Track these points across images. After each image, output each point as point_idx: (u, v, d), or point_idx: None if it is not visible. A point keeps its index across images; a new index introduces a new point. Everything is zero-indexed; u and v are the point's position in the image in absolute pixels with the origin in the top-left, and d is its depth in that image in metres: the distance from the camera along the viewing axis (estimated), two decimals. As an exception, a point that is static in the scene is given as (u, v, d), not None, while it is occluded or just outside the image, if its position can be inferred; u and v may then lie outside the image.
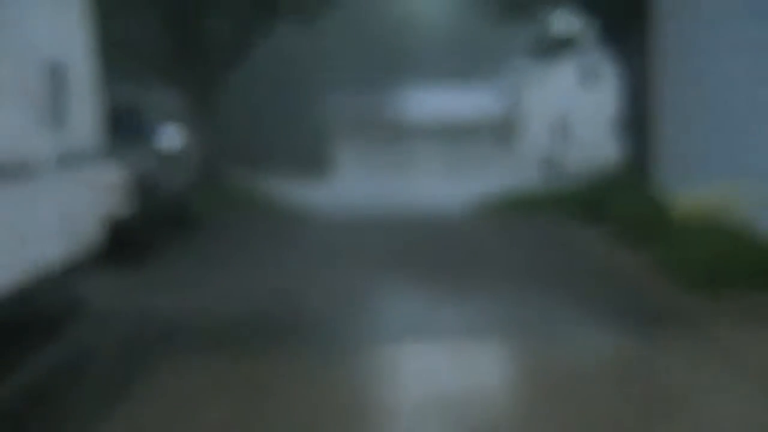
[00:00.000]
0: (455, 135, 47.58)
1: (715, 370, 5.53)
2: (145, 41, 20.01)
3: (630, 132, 16.73)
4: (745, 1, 8.93)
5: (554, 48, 19.67)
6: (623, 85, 16.95)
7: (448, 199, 20.60)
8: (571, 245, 11.08)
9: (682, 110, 11.17)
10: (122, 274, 9.95)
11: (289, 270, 9.83)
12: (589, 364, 5.84)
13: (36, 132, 6.66)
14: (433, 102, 48.67)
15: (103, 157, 8.88)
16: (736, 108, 9.28)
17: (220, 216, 15.80)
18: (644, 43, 15.83)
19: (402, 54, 52.91)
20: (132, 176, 10.68)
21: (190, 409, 5.17)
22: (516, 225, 13.55)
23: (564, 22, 20.18)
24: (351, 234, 13.09)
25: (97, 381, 5.87)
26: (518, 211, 15.93)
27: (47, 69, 6.97)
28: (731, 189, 9.25)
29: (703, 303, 7.43)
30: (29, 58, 6.66)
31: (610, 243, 10.96)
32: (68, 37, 7.59)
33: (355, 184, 32.98)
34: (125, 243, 10.71)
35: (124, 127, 11.94)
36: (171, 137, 13.12)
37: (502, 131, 47.31)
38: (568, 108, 44.06)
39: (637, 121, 16.36)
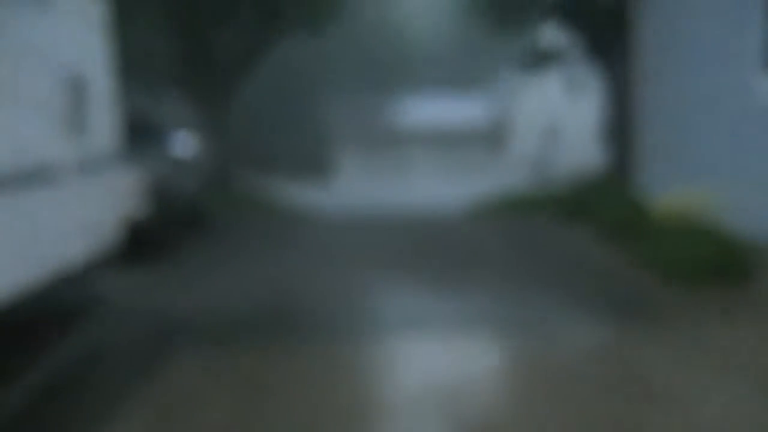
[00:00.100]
0: (449, 140, 47.57)
1: (688, 354, 5.59)
2: (158, 54, 20.06)
3: (613, 138, 16.80)
4: (721, 16, 9.00)
5: (542, 60, 19.74)
6: (607, 94, 17.02)
7: (443, 201, 20.63)
8: (556, 244, 11.13)
9: (662, 118, 11.24)
10: (139, 272, 10.00)
11: (295, 268, 9.89)
12: (572, 349, 5.90)
13: (59, 139, 6.72)
14: (428, 109, 48.67)
15: (120, 162, 8.94)
16: (710, 116, 9.35)
17: (229, 218, 15.84)
18: (626, 55, 15.90)
19: (399, 64, 52.92)
20: (147, 180, 10.73)
21: (204, 395, 5.22)
22: (505, 225, 13.60)
23: (551, 35, 20.25)
24: (352, 234, 13.14)
25: (113, 372, 5.92)
26: (508, 212, 15.99)
27: (69, 80, 7.04)
28: (705, 191, 9.32)
29: (679, 297, 7.50)
30: (53, 71, 6.72)
31: (594, 242, 11.01)
32: (88, 50, 7.65)
33: (356, 187, 32.99)
34: (141, 243, 10.77)
35: (140, 135, 12.01)
36: (183, 144, 13.17)
37: (493, 137, 47.32)
38: (556, 116, 44.08)
39: (620, 128, 16.43)
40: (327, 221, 15.42)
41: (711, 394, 4.92)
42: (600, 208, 11.72)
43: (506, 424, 4.58)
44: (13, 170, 5.79)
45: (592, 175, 18.85)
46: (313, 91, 43.02)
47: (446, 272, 9.32)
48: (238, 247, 11.92)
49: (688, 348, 5.90)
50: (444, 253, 10.70)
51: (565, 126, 44.11)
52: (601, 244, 10.78)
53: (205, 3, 18.82)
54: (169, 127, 12.88)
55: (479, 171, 45.24)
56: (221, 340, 6.64)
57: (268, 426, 4.70)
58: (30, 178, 6.05)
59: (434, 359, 5.90)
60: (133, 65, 18.93)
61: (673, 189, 10.60)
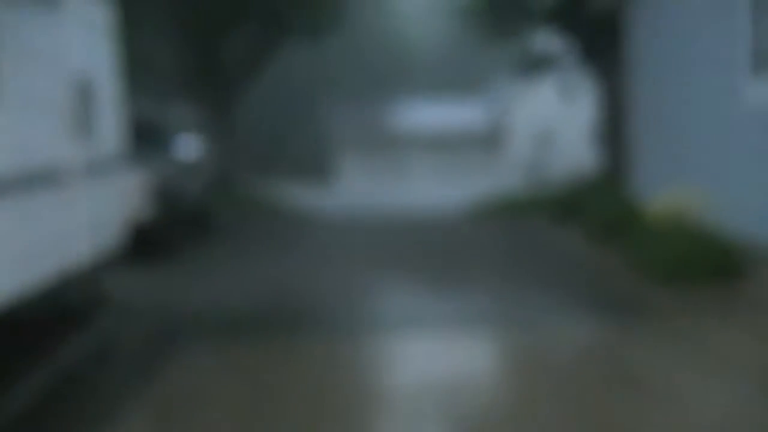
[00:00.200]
0: (447, 144, 47.60)
1: (676, 351, 5.59)
2: (166, 60, 20.09)
3: (606, 142, 16.81)
4: (710, 22, 9.02)
5: (537, 65, 19.76)
6: (600, 99, 17.04)
7: (441, 203, 20.64)
8: (550, 244, 11.15)
9: (654, 121, 11.25)
10: (144, 272, 10.01)
11: (297, 268, 9.89)
12: (564, 344, 5.91)
13: (67, 142, 6.72)
14: (426, 113, 48.69)
15: (126, 165, 8.95)
16: (700, 119, 9.36)
17: (233, 218, 15.85)
18: (619, 60, 15.92)
19: (398, 70, 52.96)
20: (153, 182, 10.74)
21: (205, 394, 5.23)
22: (502, 226, 13.62)
23: (546, 41, 20.27)
24: (352, 234, 13.15)
25: (117, 370, 5.93)
26: (503, 213, 16.00)
27: (77, 85, 7.05)
28: (697, 193, 9.33)
29: (668, 295, 7.51)
30: (61, 76, 6.73)
31: (587, 243, 11.02)
32: (95, 55, 7.66)
33: (356, 189, 32.99)
34: (147, 243, 10.78)
35: (146, 138, 12.02)
36: (189, 147, 13.18)
37: (490, 141, 47.35)
38: (550, 120, 44.13)
39: (613, 132, 16.45)
40: (328, 222, 15.43)
41: (697, 384, 4.93)
42: (593, 210, 11.72)
43: (507, 417, 4.58)
44: (21, 172, 5.79)
45: (586, 178, 18.86)
46: (314, 97, 43.05)
47: (443, 272, 9.32)
48: (241, 247, 11.93)
49: (676, 344, 5.90)
50: (441, 255, 10.71)
51: (560, 130, 44.16)
52: (594, 245, 10.80)
53: (211, 10, 18.83)
54: (175, 131, 12.89)
55: (476, 174, 45.28)
56: (224, 339, 6.65)
57: (269, 426, 4.70)
58: (38, 179, 6.06)
59: (432, 355, 5.90)
60: (140, 70, 18.94)
61: (665, 191, 10.61)
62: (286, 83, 39.30)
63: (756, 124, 7.84)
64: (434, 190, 30.96)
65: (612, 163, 16.50)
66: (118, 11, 16.50)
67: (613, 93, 16.35)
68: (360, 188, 34.85)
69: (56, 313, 7.60)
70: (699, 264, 7.82)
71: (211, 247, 11.93)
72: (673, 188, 10.17)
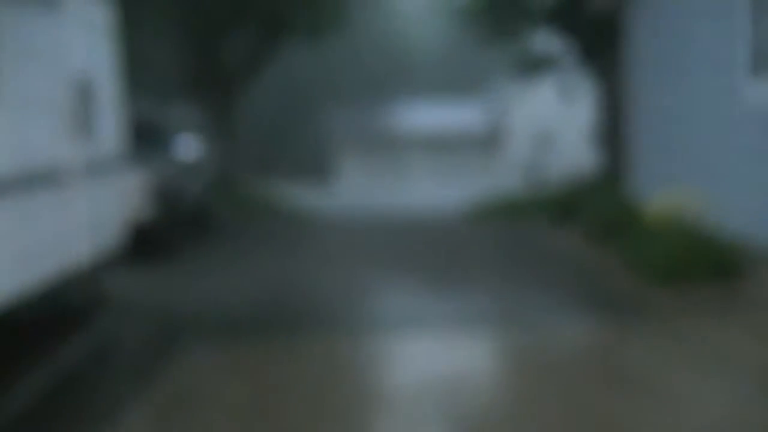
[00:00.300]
0: (446, 145, 47.61)
1: (675, 351, 5.58)
2: (166, 60, 20.07)
3: (604, 143, 16.80)
4: (710, 23, 9.00)
5: (536, 66, 19.75)
6: (598, 100, 17.02)
7: (440, 203, 20.63)
8: (549, 245, 11.13)
9: (653, 122, 11.23)
10: (145, 272, 9.98)
11: (297, 268, 9.88)
12: (563, 344, 5.89)
13: (67, 142, 6.70)
14: (426, 115, 48.70)
15: (126, 165, 8.93)
16: (700, 120, 9.34)
17: (235, 218, 15.84)
18: (617, 61, 15.90)
19: (398, 71, 52.97)
20: (152, 182, 10.72)
21: (206, 394, 5.21)
22: (500, 226, 13.60)
23: (545, 42, 20.26)
24: (352, 234, 13.13)
25: (118, 371, 5.90)
26: (502, 214, 15.98)
27: (77, 86, 7.02)
28: (696, 194, 9.31)
29: (667, 295, 7.49)
30: (62, 77, 6.71)
31: (585, 243, 11.00)
32: (95, 55, 7.64)
33: (356, 189, 33.00)
34: (147, 243, 10.76)
35: (146, 139, 11.99)
36: (189, 147, 13.16)
37: (488, 142, 47.36)
38: (549, 121, 44.14)
39: (611, 133, 16.43)
40: (328, 222, 15.42)
41: (697, 384, 4.92)
42: (592, 210, 11.70)
43: (507, 417, 4.56)
44: (21, 172, 5.77)
45: (584, 178, 18.85)
46: (314, 97, 42.99)
47: (443, 272, 9.31)
48: (241, 247, 11.91)
49: (675, 343, 5.88)
50: (441, 255, 10.69)
51: (559, 130, 44.15)
52: (593, 245, 10.78)
53: (212, 10, 18.81)
54: (175, 131, 12.87)
55: (475, 174, 45.29)
56: (224, 338, 6.62)
57: (269, 426, 4.68)
58: (38, 179, 6.04)
59: (432, 354, 5.88)
60: (140, 70, 18.93)
61: (663, 191, 10.59)
62: (287, 84, 39.26)
63: (755, 125, 7.82)
64: (433, 191, 30.97)
65: (611, 164, 16.49)
66: (118, 11, 16.48)
67: (612, 93, 16.33)
68: (359, 188, 34.85)
69: (56, 313, 7.57)
70: (698, 264, 7.81)
71: (212, 247, 11.91)
72: (671, 188, 10.15)
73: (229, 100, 19.96)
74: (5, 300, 5.45)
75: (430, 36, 52.80)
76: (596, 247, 10.56)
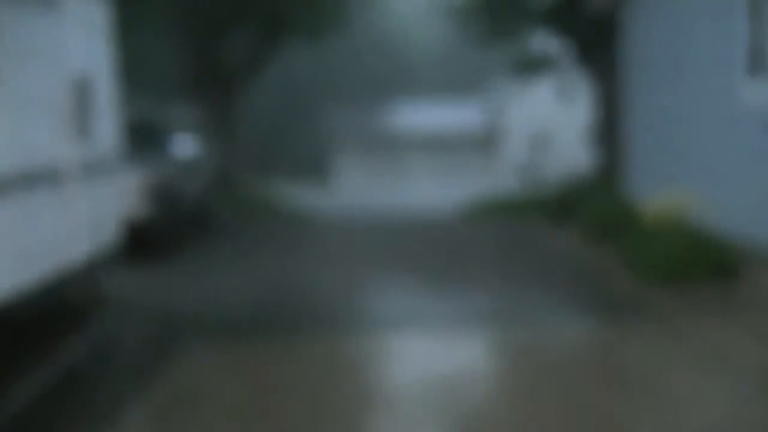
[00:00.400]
0: (444, 145, 47.60)
1: (674, 350, 5.55)
2: (166, 60, 20.03)
3: (602, 143, 16.77)
4: (707, 23, 8.97)
5: (533, 66, 19.72)
6: (596, 100, 16.99)
7: (438, 203, 20.60)
8: (547, 244, 11.10)
9: (650, 122, 11.20)
10: (144, 271, 9.95)
11: (297, 268, 9.84)
12: (563, 343, 5.86)
13: (65, 142, 6.67)
14: (424, 115, 48.69)
15: (124, 164, 8.89)
16: (697, 120, 9.32)
17: (235, 218, 15.81)
18: (615, 62, 15.88)
19: (396, 72, 52.96)
20: (151, 182, 10.68)
21: (205, 394, 5.17)
22: (498, 226, 13.57)
23: (543, 43, 20.23)
24: (351, 234, 13.10)
25: (117, 370, 5.87)
26: (501, 214, 15.95)
27: (75, 86, 6.99)
28: (693, 194, 9.28)
29: (666, 295, 7.46)
30: (60, 77, 6.68)
31: (583, 243, 10.97)
32: (93, 57, 7.60)
33: (355, 189, 32.98)
34: (146, 243, 10.72)
35: (145, 138, 11.96)
36: (187, 147, 13.13)
37: (486, 142, 47.35)
38: (546, 121, 44.14)
39: (608, 133, 16.40)
40: (327, 222, 15.38)
41: (696, 383, 4.89)
42: (590, 211, 11.67)
43: (507, 416, 4.53)
44: (19, 171, 5.73)
45: (582, 178, 18.82)
46: (314, 98, 42.96)
47: (442, 272, 9.28)
48: (241, 246, 11.87)
49: (674, 343, 5.85)
50: (439, 255, 10.66)
51: (557, 130, 44.15)
52: (591, 245, 10.75)
53: (211, 10, 18.77)
54: (174, 131, 12.84)
55: (473, 174, 45.28)
56: (224, 338, 6.59)
57: (269, 425, 4.64)
58: (36, 179, 6.00)
59: (432, 354, 5.85)
60: (140, 70, 18.89)
61: (661, 191, 10.56)
62: (286, 84, 39.21)
63: (752, 125, 7.79)
64: (432, 191, 30.95)
65: (608, 164, 16.46)
66: (116, 11, 16.42)
67: (610, 93, 16.30)
68: (359, 188, 34.82)
69: (55, 312, 7.53)
70: (697, 264, 7.77)
71: (211, 247, 11.87)
72: (669, 189, 10.11)
73: (228, 100, 19.92)
74: (4, 299, 5.41)
75: (429, 36, 52.79)
76: (595, 247, 10.53)
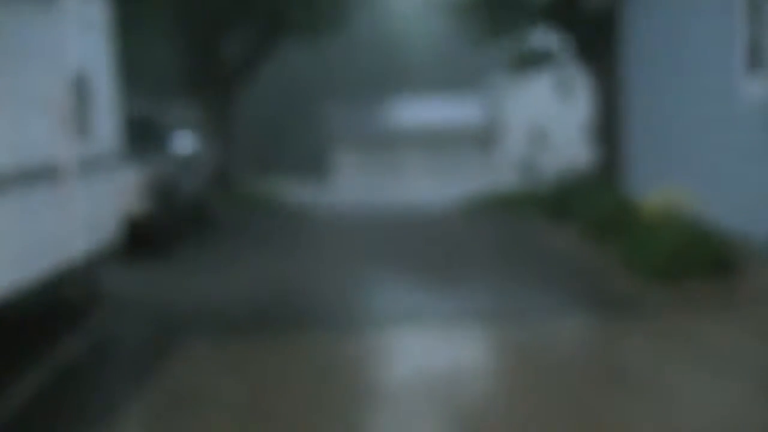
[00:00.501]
0: (442, 141, 47.55)
1: (672, 345, 5.54)
2: (165, 57, 19.99)
3: (600, 139, 16.74)
4: (706, 20, 8.95)
5: (532, 62, 19.68)
6: (594, 96, 16.96)
7: (435, 199, 20.58)
8: (546, 241, 11.09)
9: (649, 118, 11.18)
10: (143, 267, 9.93)
11: (295, 263, 9.83)
12: (562, 340, 5.85)
13: (63, 139, 6.64)
14: (422, 111, 48.62)
15: (121, 161, 8.88)
16: (696, 116, 9.30)
17: (232, 215, 15.79)
18: (614, 58, 15.84)
19: (394, 68, 52.89)
20: (149, 179, 10.66)
21: (204, 390, 5.16)
22: (496, 222, 13.56)
23: (541, 39, 20.20)
24: (349, 231, 13.08)
25: (117, 366, 5.86)
26: (498, 210, 15.94)
27: (74, 84, 6.96)
28: (691, 191, 9.27)
29: (663, 291, 7.46)
30: (59, 75, 6.66)
31: (582, 239, 10.96)
32: (92, 54, 7.58)
33: (353, 185, 32.93)
34: (145, 240, 10.70)
35: (144, 135, 11.93)
36: (186, 144, 13.10)
37: (484, 138, 47.31)
38: (544, 117, 44.10)
39: (607, 129, 16.38)
40: (325, 219, 15.37)
41: (694, 379, 4.88)
42: (588, 207, 11.66)
43: (505, 412, 4.52)
44: (17, 169, 5.71)
45: (580, 175, 18.79)
46: (312, 95, 42.92)
47: (441, 271, 9.27)
48: (239, 243, 11.85)
49: (672, 338, 5.85)
50: (438, 253, 10.65)
51: (555, 126, 44.12)
52: (589, 242, 10.73)
53: (210, 7, 18.72)
54: (173, 128, 12.81)
55: (471, 170, 45.24)
56: (223, 335, 6.57)
57: (266, 422, 4.63)
58: (34, 176, 5.98)
59: (431, 351, 5.84)
60: (138, 67, 18.84)
61: (659, 188, 10.54)
62: (285, 81, 39.17)
63: (751, 121, 7.78)
64: (431, 187, 30.90)
65: (606, 160, 16.43)
66: (115, 8, 16.37)
67: (609, 89, 16.27)
68: (357, 185, 34.78)
69: (53, 309, 7.52)
70: (695, 260, 7.76)
71: (209, 243, 11.86)
72: (667, 185, 10.10)
73: (227, 98, 19.88)
74: (2, 297, 5.40)
75: (428, 33, 52.72)
76: (593, 244, 10.51)
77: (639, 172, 11.56)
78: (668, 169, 10.23)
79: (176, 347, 6.18)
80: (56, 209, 6.39)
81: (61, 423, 4.69)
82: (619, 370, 5.26)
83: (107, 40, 8.14)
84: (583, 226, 11.32)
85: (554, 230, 12.19)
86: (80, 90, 7.11)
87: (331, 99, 46.95)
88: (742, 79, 7.94)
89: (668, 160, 10.28)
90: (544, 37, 19.98)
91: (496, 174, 41.92)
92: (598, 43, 16.40)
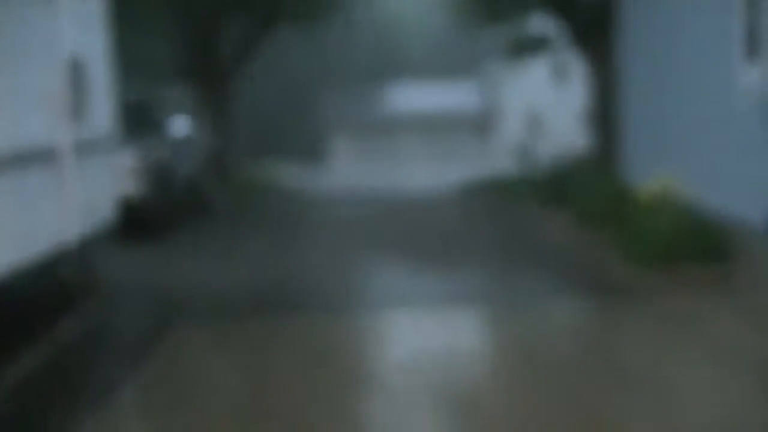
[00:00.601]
0: (439, 127, 47.49)
1: (660, 327, 5.53)
2: (161, 43, 19.89)
3: (596, 125, 16.70)
4: (704, 6, 8.90)
5: (528, 48, 19.61)
6: (591, 83, 16.91)
7: (432, 185, 20.55)
8: (542, 227, 11.07)
9: (645, 105, 11.15)
10: (139, 251, 9.90)
11: (291, 247, 9.80)
12: (559, 326, 5.84)
13: (60, 123, 6.60)
14: (418, 97, 48.52)
15: (117, 145, 8.84)
16: (693, 103, 9.27)
17: (229, 199, 15.76)
18: (610, 45, 15.78)
19: (390, 54, 52.76)
20: (144, 163, 10.64)
21: (197, 374, 5.14)
22: (493, 208, 13.53)
23: (538, 25, 20.12)
24: (346, 214, 13.06)
25: (111, 350, 5.84)
26: (495, 195, 15.91)
27: (69, 68, 6.92)
28: (684, 177, 9.25)
29: (659, 277, 7.45)
30: (55, 59, 6.62)
31: (578, 225, 10.94)
32: (87, 39, 7.53)
33: (350, 171, 32.88)
34: (140, 223, 10.67)
35: (140, 120, 11.89)
36: (181, 128, 13.05)
37: (481, 124, 47.26)
38: (541, 103, 44.03)
39: (603, 115, 16.33)
40: (322, 204, 15.33)
41: (690, 364, 4.88)
42: (585, 193, 11.63)
43: (500, 397, 4.51)
44: (13, 152, 5.67)
45: (577, 160, 18.75)
46: (309, 81, 42.79)
47: (438, 255, 9.25)
48: (236, 226, 11.83)
49: (669, 323, 5.84)
50: (434, 239, 10.62)
51: (552, 112, 44.06)
52: (585, 228, 10.71)
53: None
54: (169, 113, 12.76)
55: (467, 156, 45.17)
56: (218, 319, 6.55)
57: (262, 406, 4.61)
58: (30, 159, 5.94)
59: (426, 334, 5.82)
60: (135, 53, 18.74)
61: (656, 174, 10.51)
62: (282, 67, 39.04)
63: (747, 109, 7.74)
64: (427, 172, 30.86)
65: (603, 147, 16.39)
66: (112, -7, 16.27)
67: (606, 76, 16.22)
68: (354, 171, 34.75)
69: (48, 293, 7.48)
70: (691, 246, 7.74)
71: (207, 226, 11.82)
72: (664, 171, 10.07)
73: (224, 84, 19.80)
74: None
75: (424, 19, 52.57)
76: (589, 230, 10.49)
77: (635, 159, 11.53)
78: (665, 155, 10.20)
79: (170, 331, 6.16)
80: (52, 192, 6.35)
81: (55, 405, 4.67)
82: (617, 354, 5.24)
83: (103, 25, 8.08)
84: (579, 213, 11.30)
85: (551, 216, 12.17)
86: (76, 75, 7.06)
87: (329, 85, 46.83)
88: (739, 66, 7.90)
89: (665, 146, 10.25)
90: (541, 24, 19.90)
91: (493, 160, 41.85)
92: (594, 29, 16.33)
